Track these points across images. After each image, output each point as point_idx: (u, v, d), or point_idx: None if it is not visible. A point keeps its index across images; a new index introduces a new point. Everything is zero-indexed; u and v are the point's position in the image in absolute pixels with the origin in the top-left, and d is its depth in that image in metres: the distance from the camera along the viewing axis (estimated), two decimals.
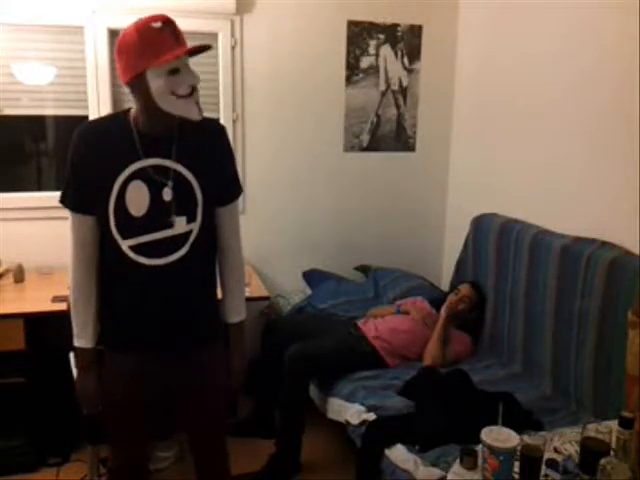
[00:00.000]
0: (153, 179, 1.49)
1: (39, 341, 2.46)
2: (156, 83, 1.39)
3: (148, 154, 1.48)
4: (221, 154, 1.62)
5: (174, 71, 1.40)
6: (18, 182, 3.03)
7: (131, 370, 1.60)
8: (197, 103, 1.46)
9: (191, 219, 1.53)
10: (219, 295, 1.74)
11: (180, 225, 1.52)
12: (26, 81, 2.82)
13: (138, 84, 1.41)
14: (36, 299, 2.47)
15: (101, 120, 1.67)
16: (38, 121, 3.01)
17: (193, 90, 1.44)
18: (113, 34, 2.82)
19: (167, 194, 1.50)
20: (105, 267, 1.57)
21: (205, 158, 1.56)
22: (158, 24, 1.38)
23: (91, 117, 2.89)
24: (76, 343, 1.59)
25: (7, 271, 2.78)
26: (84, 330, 1.58)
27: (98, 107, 2.89)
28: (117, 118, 1.57)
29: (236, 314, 1.74)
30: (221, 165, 1.62)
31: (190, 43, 1.50)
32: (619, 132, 2.27)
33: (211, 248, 1.65)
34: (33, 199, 2.88)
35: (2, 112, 2.81)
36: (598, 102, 2.37)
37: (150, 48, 1.37)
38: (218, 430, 1.77)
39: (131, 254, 1.50)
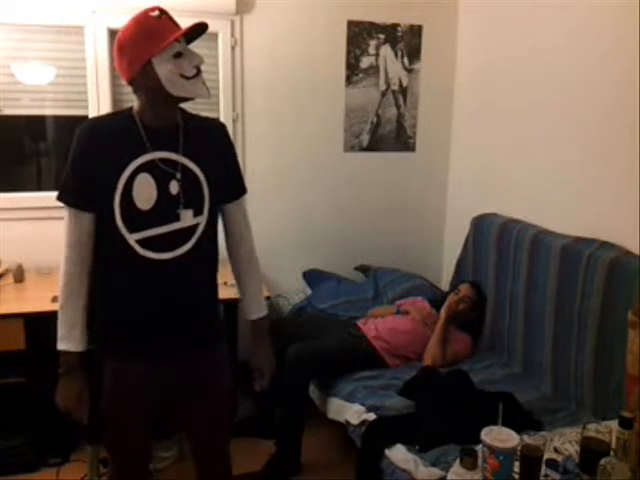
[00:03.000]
0: (161, 172, 1.49)
1: (39, 341, 2.45)
2: (164, 68, 1.42)
3: (155, 147, 1.49)
4: (225, 151, 1.64)
5: (178, 54, 1.44)
6: (18, 182, 3.03)
7: (135, 378, 1.57)
8: (204, 83, 1.50)
9: (198, 212, 1.54)
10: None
11: (187, 218, 1.52)
12: (26, 81, 2.82)
13: (145, 75, 1.43)
14: (36, 299, 2.47)
15: (104, 116, 1.67)
16: (38, 121, 3.01)
17: (198, 70, 1.47)
18: (113, 34, 2.81)
19: (174, 187, 1.50)
20: (108, 265, 1.55)
21: (210, 153, 1.58)
22: (155, 12, 1.44)
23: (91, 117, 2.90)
24: (60, 346, 1.53)
25: (7, 271, 2.78)
26: (71, 332, 1.53)
27: (98, 107, 2.89)
28: (120, 114, 1.58)
29: (258, 309, 1.74)
30: (225, 161, 1.63)
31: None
32: (619, 132, 2.27)
33: (214, 246, 1.64)
34: (33, 199, 2.88)
35: (2, 112, 2.81)
36: (598, 102, 2.37)
37: (154, 35, 1.41)
38: (221, 435, 1.74)
39: (138, 248, 1.48)
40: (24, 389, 2.43)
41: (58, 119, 3.02)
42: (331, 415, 2.47)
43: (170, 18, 1.46)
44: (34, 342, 2.41)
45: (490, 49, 3.09)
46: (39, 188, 3.04)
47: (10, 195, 2.89)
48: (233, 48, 3.03)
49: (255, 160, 3.18)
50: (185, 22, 1.49)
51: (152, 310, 1.55)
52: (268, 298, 2.76)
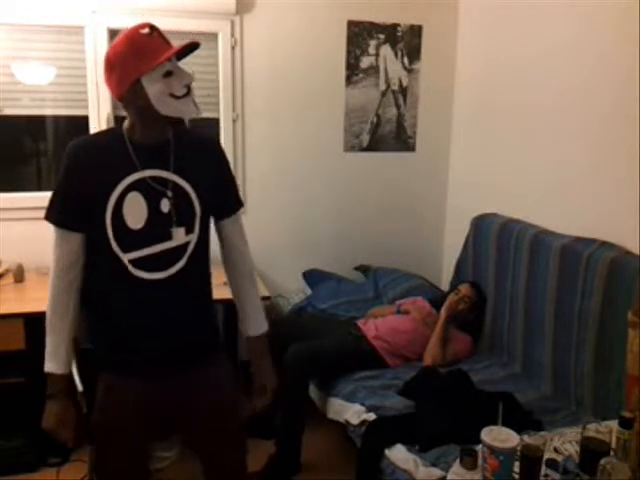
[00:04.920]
0: (151, 190, 1.47)
1: (39, 341, 2.44)
2: (153, 88, 1.39)
3: (145, 165, 1.47)
4: (218, 166, 1.61)
5: (168, 73, 1.41)
6: (18, 182, 3.03)
7: (127, 394, 1.55)
8: (194, 102, 1.47)
9: (189, 230, 1.51)
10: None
11: (179, 236, 1.50)
12: (26, 81, 2.82)
13: (134, 94, 1.41)
14: (36, 299, 2.47)
15: (94, 135, 1.65)
16: (38, 121, 3.01)
17: (189, 89, 1.45)
18: (113, 34, 2.81)
19: (165, 205, 1.48)
20: (101, 284, 1.53)
21: (202, 170, 1.55)
22: (146, 30, 1.40)
23: (91, 117, 2.91)
24: (46, 368, 1.50)
25: (7, 271, 2.78)
26: (56, 353, 1.51)
27: (98, 107, 2.89)
28: (110, 132, 1.57)
29: (257, 326, 1.70)
30: (219, 177, 1.61)
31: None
32: (619, 132, 2.27)
33: (206, 262, 1.62)
34: (33, 199, 2.87)
35: (2, 112, 2.81)
36: (598, 102, 2.37)
37: (144, 53, 1.38)
38: (225, 447, 1.69)
39: (131, 268, 1.47)
40: (24, 389, 2.43)
41: (58, 119, 3.02)
42: (331, 415, 2.47)
43: (161, 35, 1.43)
44: (34, 342, 2.41)
45: (490, 49, 3.09)
46: (39, 188, 3.04)
47: (10, 195, 2.89)
48: (233, 48, 3.03)
49: (255, 160, 3.18)
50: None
51: (145, 329, 1.53)
52: (268, 298, 2.76)
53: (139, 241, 1.47)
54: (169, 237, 1.48)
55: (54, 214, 1.49)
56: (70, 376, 1.57)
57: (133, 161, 1.46)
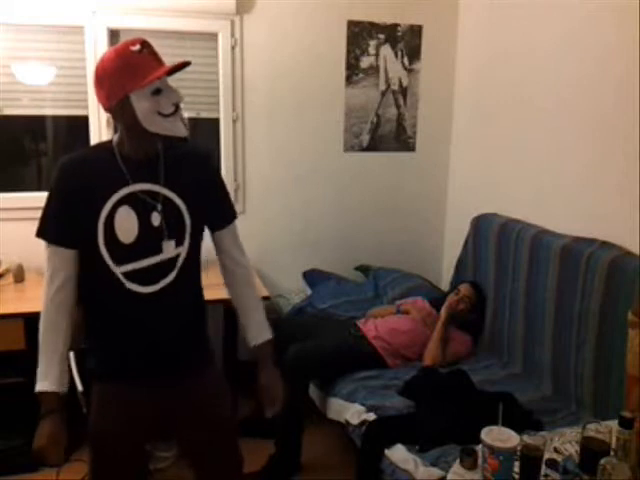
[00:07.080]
0: (142, 204, 1.47)
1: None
2: (141, 105, 1.39)
3: (136, 179, 1.47)
4: (209, 178, 1.61)
5: (157, 91, 1.41)
6: (18, 182, 3.03)
7: (122, 403, 1.55)
8: (182, 120, 1.46)
9: (179, 243, 1.52)
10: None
11: (169, 249, 1.50)
12: (26, 81, 2.82)
13: (122, 108, 1.41)
14: (36, 299, 2.42)
15: (84, 151, 1.61)
16: (38, 121, 3.01)
17: (177, 108, 1.44)
18: (113, 34, 2.82)
19: (156, 219, 1.48)
20: (96, 298, 1.53)
21: (192, 183, 1.54)
22: (137, 47, 1.39)
23: (91, 117, 2.91)
24: (38, 387, 1.46)
25: (7, 271, 2.78)
26: (48, 371, 1.47)
27: (98, 107, 2.88)
28: (100, 147, 1.58)
29: (260, 334, 1.68)
30: (210, 189, 1.60)
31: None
32: (619, 132, 2.27)
33: (197, 274, 1.63)
34: (33, 199, 2.86)
35: (2, 112, 2.81)
36: (598, 102, 2.37)
37: (133, 71, 1.38)
38: (224, 462, 1.70)
39: (124, 281, 1.47)
40: (24, 389, 2.42)
41: (58, 119, 3.02)
42: (331, 415, 2.47)
43: (152, 52, 1.42)
44: (34, 342, 2.38)
45: (490, 49, 3.09)
46: (39, 188, 3.04)
47: (10, 195, 2.89)
48: (233, 48, 3.03)
49: (255, 160, 3.18)
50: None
51: (140, 340, 1.53)
52: (268, 298, 2.76)
53: (131, 255, 1.47)
54: (160, 250, 1.49)
55: (46, 231, 1.48)
56: (63, 395, 1.50)
57: (124, 175, 1.46)
